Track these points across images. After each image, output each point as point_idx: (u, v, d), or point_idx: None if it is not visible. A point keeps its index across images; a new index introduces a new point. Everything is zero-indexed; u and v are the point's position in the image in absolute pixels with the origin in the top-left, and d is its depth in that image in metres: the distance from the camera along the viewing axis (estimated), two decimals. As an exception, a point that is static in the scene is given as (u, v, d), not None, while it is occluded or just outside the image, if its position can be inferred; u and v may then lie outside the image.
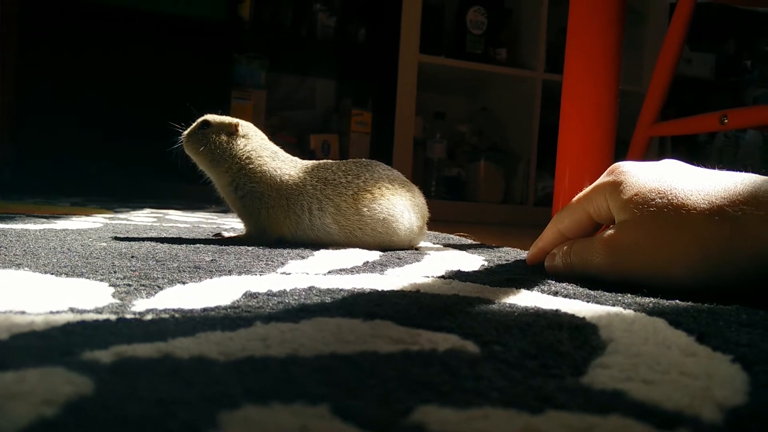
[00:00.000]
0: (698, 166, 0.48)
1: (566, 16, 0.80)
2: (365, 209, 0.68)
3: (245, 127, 0.72)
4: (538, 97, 2.06)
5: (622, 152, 1.49)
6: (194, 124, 0.72)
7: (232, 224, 0.96)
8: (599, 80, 0.77)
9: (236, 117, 0.74)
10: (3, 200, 1.22)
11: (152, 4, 1.76)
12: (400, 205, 0.69)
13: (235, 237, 0.71)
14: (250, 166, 0.69)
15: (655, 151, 2.10)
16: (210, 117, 0.71)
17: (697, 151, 2.35)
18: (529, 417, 0.19)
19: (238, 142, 0.70)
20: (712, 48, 2.42)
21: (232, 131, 0.70)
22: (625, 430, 0.19)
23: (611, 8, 0.76)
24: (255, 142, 0.71)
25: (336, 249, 0.66)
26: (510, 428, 0.18)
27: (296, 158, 0.74)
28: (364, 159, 0.75)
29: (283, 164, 0.71)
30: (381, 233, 0.68)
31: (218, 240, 0.70)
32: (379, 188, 0.69)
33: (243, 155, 0.69)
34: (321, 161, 0.73)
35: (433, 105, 2.22)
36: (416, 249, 0.73)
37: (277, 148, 0.73)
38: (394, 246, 0.70)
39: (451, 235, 0.99)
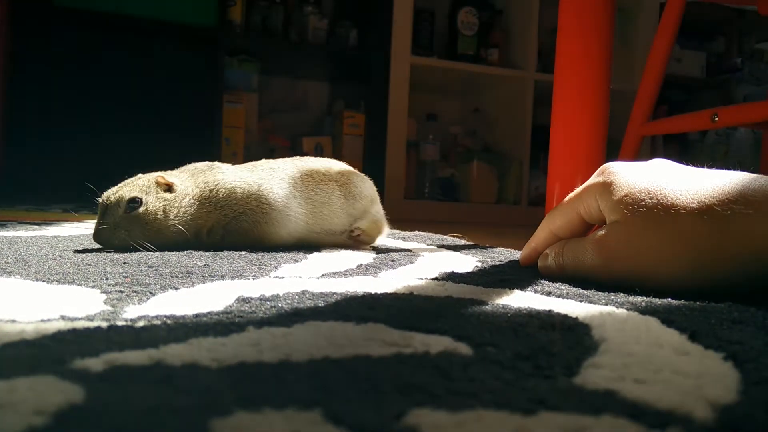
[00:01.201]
0: (689, 164, 0.48)
1: (557, 16, 0.81)
2: (312, 193, 0.69)
3: (168, 174, 0.65)
4: (530, 97, 2.06)
5: (614, 151, 1.50)
6: (111, 213, 0.60)
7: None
8: (590, 79, 0.77)
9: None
10: (-6, 207, 1.21)
11: (143, 10, 1.75)
12: (338, 191, 0.71)
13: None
14: (227, 197, 0.64)
15: (647, 150, 2.11)
16: (129, 191, 0.61)
17: (688, 149, 2.36)
18: (522, 418, 0.19)
19: (179, 196, 0.63)
20: (701, 46, 2.43)
21: (170, 186, 0.63)
22: (617, 430, 0.19)
23: (601, 7, 0.76)
24: (198, 176, 0.65)
25: (329, 251, 0.66)
26: (503, 430, 0.18)
27: (235, 165, 0.70)
28: (298, 156, 0.76)
29: (241, 174, 0.67)
30: (326, 216, 0.70)
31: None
32: (317, 173, 0.71)
33: (209, 194, 0.64)
34: (256, 161, 0.73)
35: (425, 106, 2.22)
36: (371, 247, 0.74)
37: (213, 164, 0.68)
38: (333, 230, 0.71)
39: (445, 236, 0.99)
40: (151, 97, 1.80)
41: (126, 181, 0.63)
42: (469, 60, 2.09)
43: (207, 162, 0.69)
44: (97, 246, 0.63)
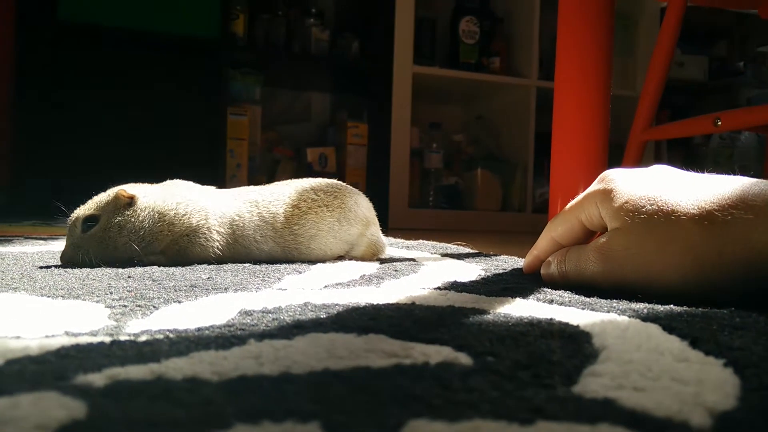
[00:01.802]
0: (693, 169, 0.48)
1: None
2: (296, 227, 0.65)
3: (132, 187, 0.62)
4: (532, 105, 2.07)
5: (617, 157, 1.50)
6: (71, 233, 0.59)
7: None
8: (590, 85, 0.77)
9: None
10: (0, 223, 1.22)
11: (146, 24, 1.77)
12: (329, 218, 0.67)
13: (145, 258, 0.61)
14: (185, 212, 0.61)
15: (650, 155, 2.11)
16: (85, 210, 0.60)
17: (692, 154, 2.36)
18: (519, 428, 0.19)
19: (139, 210, 0.60)
20: (703, 51, 2.43)
21: (131, 200, 0.60)
22: (613, 438, 0.19)
23: (599, 13, 0.77)
24: (164, 192, 0.62)
25: (333, 263, 0.66)
26: (500, 440, 0.18)
27: (210, 187, 0.68)
28: (289, 179, 0.72)
29: (215, 194, 0.65)
30: (314, 249, 0.67)
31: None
32: (305, 201, 0.67)
33: (171, 212, 0.61)
34: (241, 188, 0.69)
35: (428, 115, 2.23)
36: (378, 260, 0.71)
37: (180, 182, 0.66)
38: (325, 256, 0.68)
39: (449, 245, 1.00)
40: (155, 110, 1.81)
41: (96, 196, 0.62)
42: (471, 68, 2.10)
43: (186, 182, 0.66)
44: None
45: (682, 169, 0.49)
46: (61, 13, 1.69)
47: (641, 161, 1.36)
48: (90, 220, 0.59)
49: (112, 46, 1.78)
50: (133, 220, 0.59)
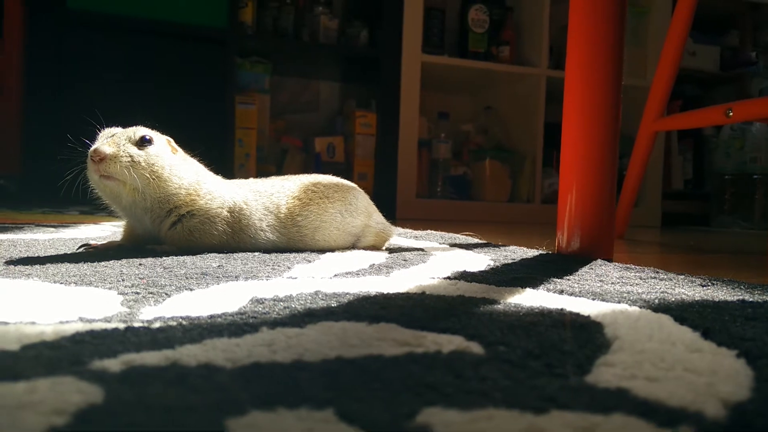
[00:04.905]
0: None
1: (568, 12, 0.80)
2: (299, 218, 0.66)
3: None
4: (542, 94, 2.05)
5: (628, 147, 1.49)
6: (118, 141, 0.57)
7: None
8: (601, 75, 0.77)
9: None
10: (11, 210, 1.23)
11: (154, 12, 1.77)
12: (331, 209, 0.68)
13: (157, 248, 0.61)
14: (209, 190, 0.62)
15: (660, 145, 2.09)
16: (145, 131, 0.59)
17: (703, 145, 2.34)
18: (533, 417, 0.19)
19: (184, 164, 0.62)
20: (715, 40, 2.41)
21: (173, 149, 0.61)
22: (627, 428, 0.19)
23: (611, 2, 0.76)
24: (191, 161, 0.64)
25: (342, 252, 0.66)
26: (513, 428, 0.19)
27: (223, 179, 0.68)
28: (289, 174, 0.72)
29: (225, 183, 0.66)
30: (319, 241, 0.67)
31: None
32: (306, 192, 0.67)
33: (191, 177, 0.61)
34: (241, 179, 0.70)
35: (437, 105, 2.22)
36: (385, 249, 0.72)
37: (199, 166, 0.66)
38: (332, 248, 0.69)
39: (458, 235, 0.99)
40: (163, 99, 1.81)
41: (132, 127, 0.60)
42: (480, 57, 2.09)
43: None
44: (107, 245, 0.63)
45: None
46: (71, 1, 1.69)
47: (651, 151, 1.35)
48: (145, 141, 0.58)
49: (120, 35, 1.78)
50: (176, 163, 0.60)
